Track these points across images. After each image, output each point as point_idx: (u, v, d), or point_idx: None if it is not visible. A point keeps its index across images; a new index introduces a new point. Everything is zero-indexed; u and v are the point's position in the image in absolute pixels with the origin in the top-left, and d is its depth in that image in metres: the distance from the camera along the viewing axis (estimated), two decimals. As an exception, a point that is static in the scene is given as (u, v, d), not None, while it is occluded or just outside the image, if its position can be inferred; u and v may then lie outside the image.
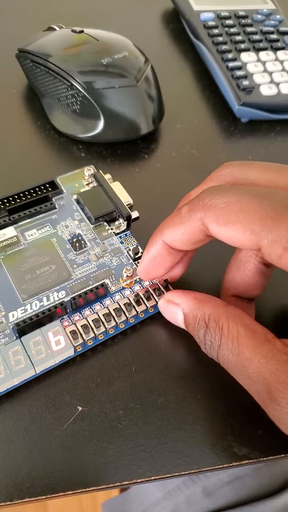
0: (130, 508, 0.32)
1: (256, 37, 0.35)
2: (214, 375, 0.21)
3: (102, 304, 0.22)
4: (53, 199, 0.25)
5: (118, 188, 0.25)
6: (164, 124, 0.31)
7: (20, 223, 0.24)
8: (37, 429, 0.19)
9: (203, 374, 0.21)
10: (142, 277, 0.21)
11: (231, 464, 0.19)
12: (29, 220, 0.24)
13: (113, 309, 0.21)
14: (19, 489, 0.18)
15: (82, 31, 0.30)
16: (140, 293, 0.22)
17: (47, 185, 0.25)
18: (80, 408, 0.19)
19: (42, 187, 0.25)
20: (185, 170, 0.29)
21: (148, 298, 0.22)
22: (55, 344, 0.20)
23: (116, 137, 0.29)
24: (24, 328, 0.20)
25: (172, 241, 0.19)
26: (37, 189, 0.24)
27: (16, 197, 0.24)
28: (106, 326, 0.21)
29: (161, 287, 0.22)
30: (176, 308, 0.20)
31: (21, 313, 0.21)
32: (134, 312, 0.21)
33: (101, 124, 0.29)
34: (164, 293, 0.22)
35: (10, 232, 0.23)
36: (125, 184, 0.25)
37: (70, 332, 0.20)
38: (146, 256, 0.20)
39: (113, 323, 0.21)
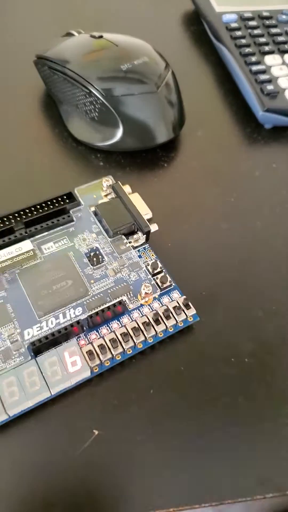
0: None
1: (281, 38, 0.34)
2: (236, 400, 0.20)
3: (120, 322, 0.21)
4: (71, 211, 0.24)
5: (137, 200, 0.24)
6: (185, 131, 0.30)
7: (36, 236, 0.23)
8: (51, 453, 0.18)
9: (227, 402, 0.20)
10: None
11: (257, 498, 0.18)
12: (46, 233, 0.23)
13: (131, 328, 0.20)
14: (32, 516, 0.17)
15: (101, 36, 0.29)
16: (159, 311, 0.21)
17: (65, 197, 0.24)
18: (96, 432, 0.19)
19: (60, 199, 0.24)
20: (206, 179, 0.28)
21: (168, 317, 0.21)
22: (71, 365, 0.19)
23: (135, 146, 0.28)
24: (40, 348, 0.19)
25: None
26: (54, 201, 0.24)
27: (33, 209, 0.23)
28: (124, 347, 0.20)
29: (181, 305, 0.21)
30: None
31: (37, 331, 0.20)
32: (153, 332, 0.20)
33: (119, 132, 0.28)
34: (184, 312, 0.21)
35: (26, 245, 0.22)
36: (143, 193, 0.25)
37: (86, 352, 0.19)
38: None
39: (131, 343, 0.20)
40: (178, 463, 0.18)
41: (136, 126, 0.28)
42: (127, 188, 0.24)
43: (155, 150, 0.29)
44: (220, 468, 0.18)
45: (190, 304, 0.21)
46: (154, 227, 0.23)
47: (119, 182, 0.25)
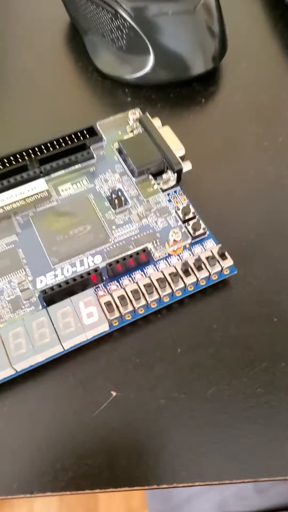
0: (173, 493, 0.29)
1: None
2: (277, 365, 0.17)
3: (144, 273, 0.18)
4: (91, 148, 0.21)
5: (167, 134, 0.20)
6: (226, 62, 0.26)
7: (52, 176, 0.21)
8: (63, 414, 0.16)
9: (264, 362, 0.17)
10: None
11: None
12: (63, 172, 0.21)
13: (156, 279, 0.18)
14: (41, 481, 0.15)
15: None
16: (189, 261, 0.18)
17: (85, 132, 0.21)
18: (114, 393, 0.17)
19: (79, 134, 0.21)
20: (250, 117, 0.24)
21: (199, 268, 0.18)
22: (87, 317, 0.17)
23: (167, 78, 0.25)
24: (52, 296, 0.17)
25: None
26: (73, 136, 0.21)
27: (49, 145, 0.21)
28: (148, 299, 0.17)
29: (216, 255, 0.18)
30: None
31: (51, 279, 0.18)
32: (181, 284, 0.18)
33: (150, 62, 0.24)
34: (219, 263, 0.18)
35: (41, 185, 0.20)
36: (177, 132, 0.21)
37: (105, 303, 0.17)
38: None
39: (155, 296, 0.17)
40: (206, 432, 0.16)
41: (169, 54, 0.24)
42: (156, 122, 0.21)
43: (191, 83, 0.25)
44: (255, 441, 0.16)
45: (226, 254, 0.18)
46: (187, 166, 0.20)
47: (147, 114, 0.21)
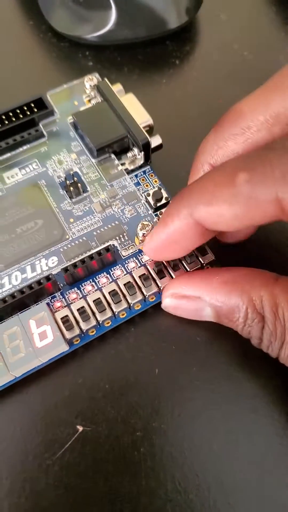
0: None
1: None
2: (273, 380, 0.14)
3: (110, 276, 0.15)
4: (41, 124, 0.17)
5: (131, 103, 0.17)
6: (203, 14, 0.22)
7: (-5, 161, 0.17)
8: (20, 456, 0.13)
9: (253, 379, 0.14)
10: (150, 256, 0.14)
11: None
12: (8, 155, 0.17)
13: (125, 284, 0.14)
14: None
15: None
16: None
17: (33, 105, 0.17)
18: (80, 428, 0.14)
19: (26, 108, 0.17)
20: (232, 79, 0.21)
21: (175, 267, 0.15)
22: (39, 338, 0.14)
23: (134, 36, 0.21)
24: (-3, 313, 0.14)
25: (214, 222, 0.12)
26: (18, 111, 0.17)
27: (-11, 123, 0.17)
28: (115, 310, 0.14)
29: (194, 250, 0.15)
30: (197, 303, 0.13)
31: (-4, 290, 0.15)
32: (154, 288, 0.14)
33: (112, 17, 0.20)
34: (199, 259, 0.15)
35: (-20, 174, 0.16)
36: (148, 101, 0.18)
37: (61, 319, 0.14)
38: (162, 234, 0.13)
39: (124, 305, 0.14)
40: (193, 470, 0.13)
41: (134, 7, 0.20)
42: (117, 88, 0.17)
43: (163, 41, 0.22)
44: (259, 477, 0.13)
45: (207, 248, 0.15)
46: (156, 140, 0.16)
47: (106, 79, 0.17)
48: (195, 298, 0.13)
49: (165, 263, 0.15)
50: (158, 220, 0.16)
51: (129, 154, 0.16)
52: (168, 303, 0.14)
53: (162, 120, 0.18)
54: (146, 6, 0.20)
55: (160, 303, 0.15)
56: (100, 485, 0.13)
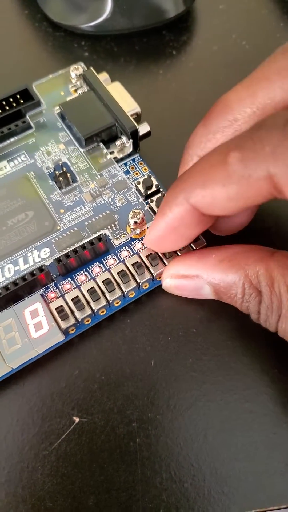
0: None
1: None
2: (269, 372, 0.14)
3: (103, 265, 0.15)
4: (27, 116, 0.17)
5: (118, 92, 0.17)
6: (200, 4, 0.22)
7: (-18, 154, 0.17)
8: (17, 447, 0.13)
9: (257, 368, 0.14)
10: (152, 248, 0.14)
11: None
12: (-5, 148, 0.17)
13: (118, 273, 0.14)
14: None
15: None
16: (156, 246, 0.15)
17: (18, 96, 0.17)
18: (77, 419, 0.14)
19: (11, 100, 0.17)
20: (230, 69, 0.20)
21: (168, 253, 0.15)
22: (35, 329, 0.14)
23: (130, 26, 0.20)
24: (-9, 306, 0.14)
25: (209, 205, 0.12)
26: (4, 103, 0.17)
27: (-25, 116, 0.17)
28: (109, 298, 0.14)
29: (187, 236, 0.15)
30: (196, 282, 0.13)
31: (-11, 283, 0.15)
32: (148, 275, 0.14)
33: (108, 6, 0.20)
34: (191, 245, 0.15)
35: None
36: (145, 91, 0.18)
37: (56, 309, 0.14)
38: (161, 223, 0.13)
39: (118, 293, 0.14)
40: (186, 465, 0.13)
41: None
42: (104, 77, 0.17)
43: (160, 31, 0.21)
44: (242, 467, 0.13)
45: (200, 236, 0.15)
46: (144, 128, 0.16)
47: (91, 68, 0.17)
48: (193, 276, 0.13)
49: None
50: (149, 207, 0.16)
51: (118, 143, 0.16)
52: (168, 283, 0.14)
53: (157, 110, 0.17)
54: (140, -5, 0.20)
55: (155, 290, 0.15)
56: (96, 475, 0.13)
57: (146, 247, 0.15)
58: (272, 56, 0.13)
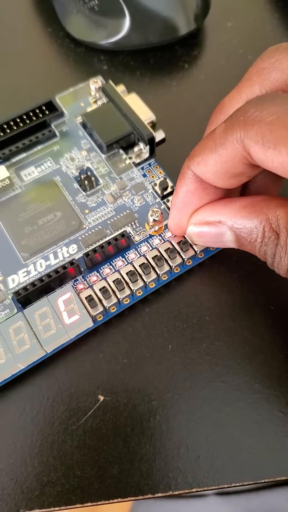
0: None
1: None
2: (277, 355, 0.16)
3: (125, 259, 0.17)
4: (53, 125, 0.19)
5: (135, 102, 0.18)
6: (210, 22, 0.24)
7: (13, 160, 0.18)
8: (48, 422, 0.15)
9: (266, 353, 0.16)
10: (174, 232, 0.16)
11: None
12: (24, 155, 0.19)
13: (139, 265, 0.16)
14: (27, 497, 0.14)
15: None
16: (173, 241, 0.16)
17: (44, 108, 0.19)
18: (101, 398, 0.15)
19: (38, 111, 0.19)
20: (237, 82, 0.22)
21: (185, 248, 0.16)
22: (68, 316, 0.15)
23: (146, 42, 0.22)
24: (27, 297, 0.16)
25: (204, 172, 0.14)
26: (31, 114, 0.19)
27: (6, 126, 0.18)
28: (132, 288, 0.16)
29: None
30: (219, 228, 0.14)
31: (24, 277, 0.16)
32: (166, 267, 0.16)
33: (126, 25, 0.22)
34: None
35: (1, 172, 0.18)
36: (160, 102, 0.19)
37: (86, 298, 0.15)
38: (175, 199, 0.15)
39: (140, 283, 0.16)
40: (202, 435, 0.15)
41: (146, 15, 0.21)
42: (121, 89, 0.19)
43: (173, 47, 0.23)
44: (254, 443, 0.15)
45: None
46: (159, 135, 0.18)
47: (110, 81, 0.19)
48: (216, 223, 0.14)
49: (175, 244, 0.16)
50: (166, 207, 0.17)
51: (135, 149, 0.18)
52: (191, 230, 0.15)
53: (171, 119, 0.19)
54: (158, 15, 0.22)
55: (172, 282, 0.17)
56: (120, 447, 0.15)
57: (164, 242, 0.17)
58: (257, 60, 0.14)
